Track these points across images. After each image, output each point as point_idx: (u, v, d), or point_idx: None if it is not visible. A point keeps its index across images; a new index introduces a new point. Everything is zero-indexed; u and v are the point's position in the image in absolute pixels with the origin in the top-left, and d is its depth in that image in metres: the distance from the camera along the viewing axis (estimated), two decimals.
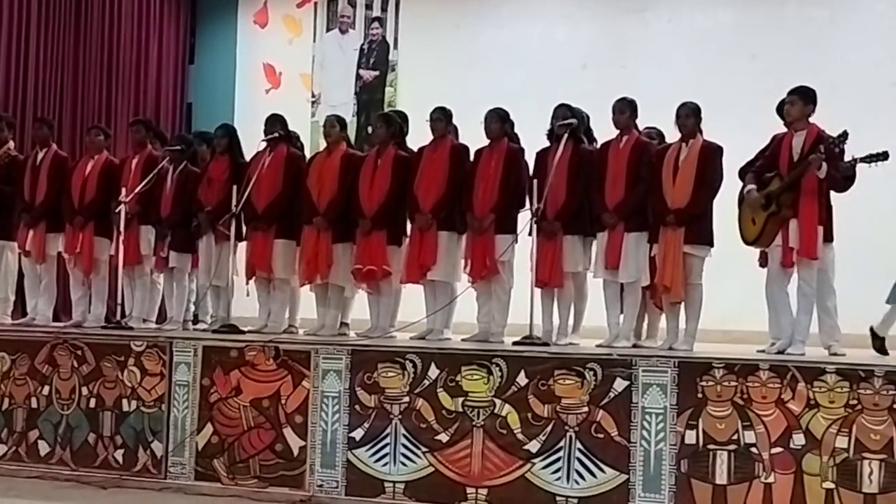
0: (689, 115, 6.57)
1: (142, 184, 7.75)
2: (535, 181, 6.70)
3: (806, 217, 6.15)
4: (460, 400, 6.07)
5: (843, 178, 6.27)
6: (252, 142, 7.77)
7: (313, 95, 11.76)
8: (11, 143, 8.54)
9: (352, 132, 10.10)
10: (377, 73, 11.55)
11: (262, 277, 7.59)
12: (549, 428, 5.88)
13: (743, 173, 6.71)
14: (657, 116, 7.01)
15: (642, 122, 7.03)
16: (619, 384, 5.78)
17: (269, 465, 6.45)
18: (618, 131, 6.84)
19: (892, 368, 5.35)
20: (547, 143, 7.03)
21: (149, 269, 8.03)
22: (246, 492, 6.44)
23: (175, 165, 7.90)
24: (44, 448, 7.03)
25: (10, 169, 8.29)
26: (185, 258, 7.90)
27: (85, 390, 6.94)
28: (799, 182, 6.17)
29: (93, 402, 6.92)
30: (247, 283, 7.61)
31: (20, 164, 8.29)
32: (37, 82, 10.52)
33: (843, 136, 6.10)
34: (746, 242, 6.54)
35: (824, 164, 6.08)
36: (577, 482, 5.80)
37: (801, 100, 6.35)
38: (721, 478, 5.56)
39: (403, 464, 6.16)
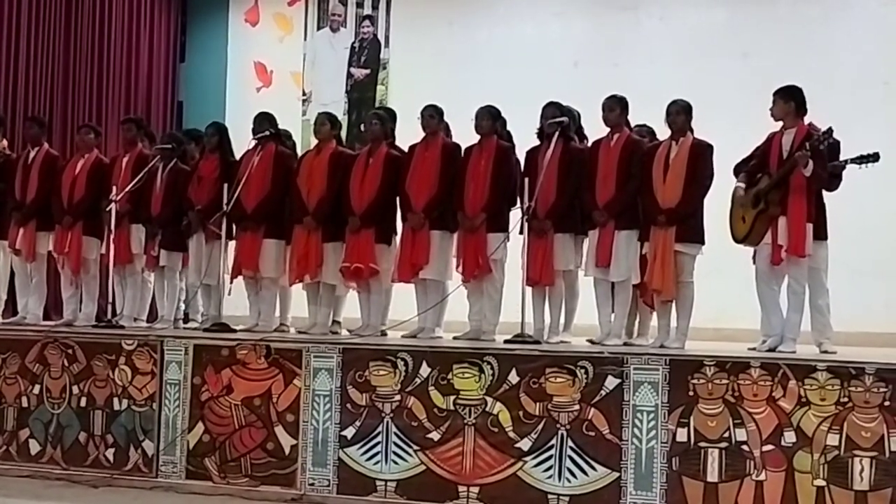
0: (679, 113, 6.55)
1: (132, 182, 7.72)
2: (525, 179, 6.69)
3: (794, 214, 6.15)
4: (452, 398, 6.06)
5: (830, 175, 6.27)
6: (243, 140, 7.75)
7: (304, 94, 11.74)
8: (5, 142, 8.53)
9: (343, 130, 10.07)
10: (368, 71, 11.54)
11: (248, 276, 7.57)
12: (540, 426, 5.88)
13: (738, 171, 6.69)
14: (649, 114, 7.01)
15: (634, 120, 7.02)
16: (611, 382, 5.78)
17: (261, 464, 6.44)
18: (608, 129, 6.83)
19: (883, 366, 5.35)
20: (538, 142, 7.02)
21: (140, 268, 8.00)
22: (237, 490, 6.43)
23: (165, 164, 7.88)
24: (34, 447, 7.01)
25: (2, 167, 8.28)
26: (176, 257, 7.88)
27: (76, 389, 6.93)
28: (787, 180, 6.17)
29: (84, 401, 6.90)
30: (231, 282, 7.55)
31: (12, 163, 8.27)
32: (27, 81, 10.48)
33: (828, 132, 6.09)
34: (736, 240, 6.53)
35: (810, 162, 6.07)
36: (568, 480, 5.79)
37: (782, 99, 6.35)
38: (712, 475, 5.55)
39: (395, 462, 6.15)
